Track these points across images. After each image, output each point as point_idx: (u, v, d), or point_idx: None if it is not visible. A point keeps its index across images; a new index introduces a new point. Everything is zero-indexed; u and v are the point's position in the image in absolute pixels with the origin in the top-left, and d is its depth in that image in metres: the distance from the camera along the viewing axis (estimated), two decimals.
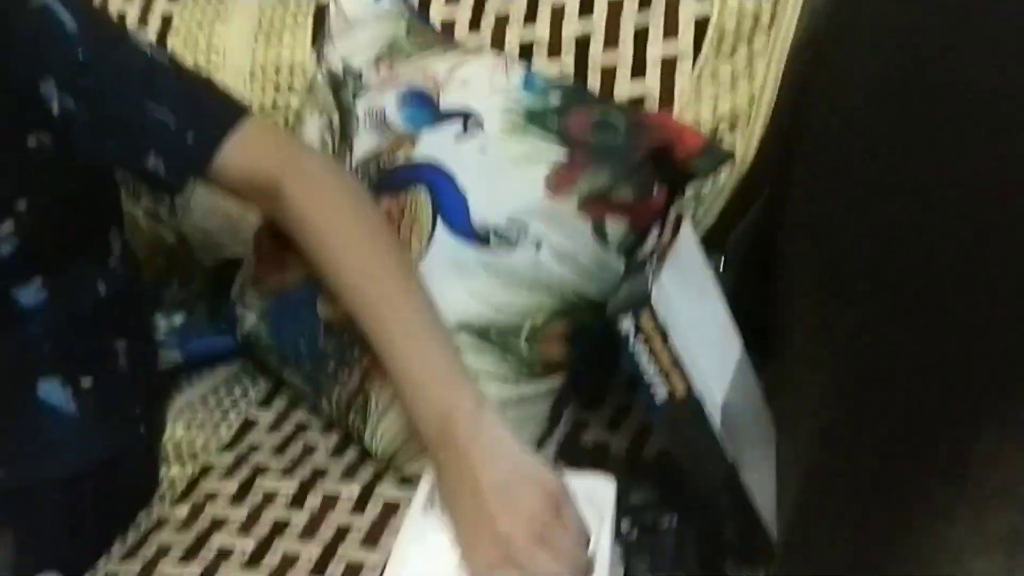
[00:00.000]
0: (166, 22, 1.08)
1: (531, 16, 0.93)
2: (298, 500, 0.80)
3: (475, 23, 0.95)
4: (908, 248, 0.51)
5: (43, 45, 0.70)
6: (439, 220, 0.77)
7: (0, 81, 0.70)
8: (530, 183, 0.75)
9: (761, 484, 0.68)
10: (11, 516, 0.74)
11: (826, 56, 0.78)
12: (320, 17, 1.00)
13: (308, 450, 0.87)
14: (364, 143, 0.83)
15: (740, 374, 0.73)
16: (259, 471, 0.84)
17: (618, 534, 0.70)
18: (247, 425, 0.92)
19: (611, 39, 0.89)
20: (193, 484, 0.85)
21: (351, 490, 0.80)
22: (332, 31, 0.91)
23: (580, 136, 0.76)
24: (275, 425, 0.91)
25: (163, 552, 0.77)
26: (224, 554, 0.75)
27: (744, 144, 0.85)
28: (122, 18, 1.07)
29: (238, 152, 0.75)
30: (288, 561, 0.74)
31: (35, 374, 0.78)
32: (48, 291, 0.77)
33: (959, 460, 0.39)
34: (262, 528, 0.77)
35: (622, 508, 0.71)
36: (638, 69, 0.88)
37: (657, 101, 0.87)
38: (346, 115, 0.85)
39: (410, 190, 0.78)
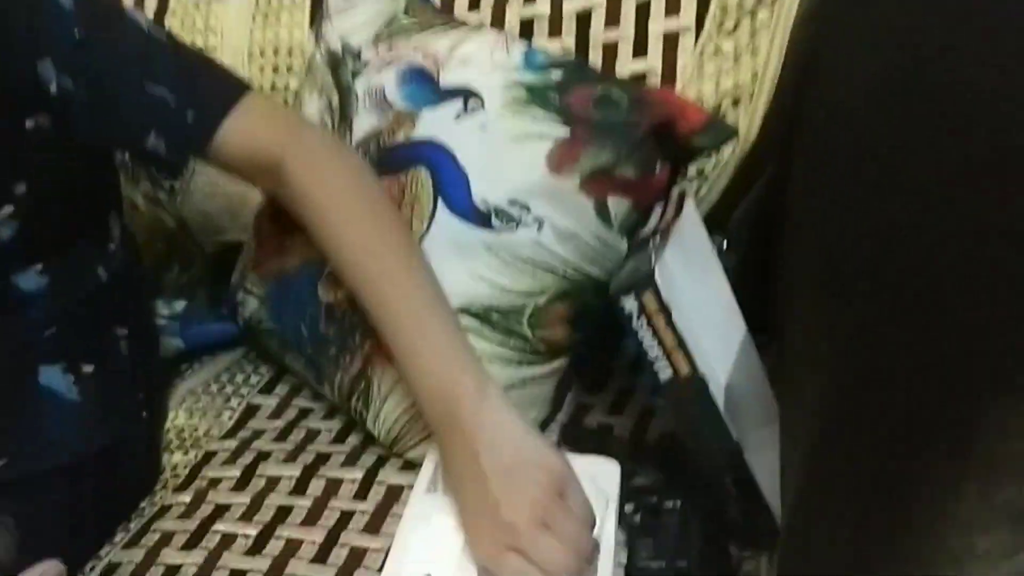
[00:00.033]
0: (163, 2, 1.07)
1: None
2: (301, 486, 0.79)
3: (475, 1, 0.94)
4: (914, 225, 0.51)
5: (39, 25, 0.69)
6: (440, 200, 0.76)
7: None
8: (531, 161, 0.74)
9: (765, 466, 0.67)
10: (13, 504, 0.73)
11: (830, 30, 0.77)
12: None
13: (310, 436, 0.86)
14: (364, 122, 0.82)
15: (743, 355, 0.72)
16: (261, 457, 0.84)
17: (622, 517, 0.69)
18: (249, 411, 0.91)
19: (612, 15, 0.88)
20: (195, 471, 0.84)
21: (354, 476, 0.79)
22: (330, 10, 0.90)
23: (582, 112, 0.75)
24: (277, 412, 0.91)
25: (166, 539, 0.76)
26: (227, 541, 0.75)
27: (747, 120, 0.84)
28: None
29: (239, 129, 0.74)
30: (291, 547, 0.73)
31: (36, 360, 0.77)
32: (48, 276, 0.76)
33: (965, 435, 0.39)
34: (265, 514, 0.77)
35: (626, 491, 0.71)
36: (640, 46, 0.87)
37: (659, 78, 0.86)
38: (345, 95, 0.84)
39: (410, 170, 0.77)
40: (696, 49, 0.85)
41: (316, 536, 0.74)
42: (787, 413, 0.67)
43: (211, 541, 0.75)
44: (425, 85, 0.80)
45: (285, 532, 0.75)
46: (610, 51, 0.88)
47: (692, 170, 0.86)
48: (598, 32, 0.88)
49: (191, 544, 0.75)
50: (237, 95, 0.75)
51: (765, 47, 0.83)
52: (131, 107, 0.73)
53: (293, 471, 0.81)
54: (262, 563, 0.72)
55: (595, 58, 0.89)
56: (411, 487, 0.71)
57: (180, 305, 0.98)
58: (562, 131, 0.75)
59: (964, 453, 0.38)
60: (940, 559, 0.37)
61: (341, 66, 0.85)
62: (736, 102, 0.84)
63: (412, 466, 0.78)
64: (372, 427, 0.80)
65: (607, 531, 0.65)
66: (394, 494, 0.77)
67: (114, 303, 0.84)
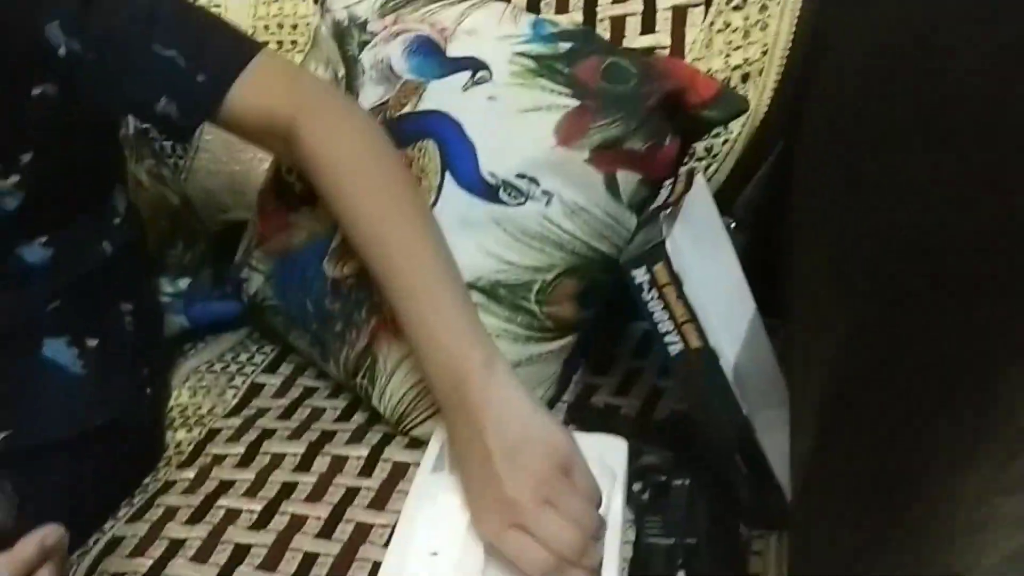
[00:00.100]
0: None
1: None
2: (305, 463, 0.79)
3: None
4: (925, 205, 0.50)
5: None
6: (447, 173, 0.75)
7: (5, 28, 0.69)
8: (539, 132, 0.74)
9: (775, 447, 0.67)
10: (16, 476, 0.73)
11: (839, 6, 0.77)
12: None
13: (315, 414, 0.86)
14: (370, 94, 0.81)
15: (753, 333, 0.72)
16: (266, 435, 0.83)
17: (630, 495, 0.69)
18: (253, 390, 0.91)
19: None
20: (199, 448, 0.84)
21: (359, 453, 0.79)
22: None
23: (590, 83, 0.74)
24: (282, 390, 0.90)
25: (170, 514, 0.76)
26: (231, 516, 0.74)
27: (756, 96, 0.83)
28: None
29: (251, 90, 0.73)
30: (296, 523, 0.73)
31: (40, 333, 0.77)
32: (53, 249, 0.76)
33: (973, 420, 0.38)
34: (269, 490, 0.76)
35: (633, 470, 0.70)
36: (648, 20, 0.86)
37: (668, 52, 0.85)
38: (351, 67, 0.83)
39: (418, 142, 0.77)
40: (705, 23, 0.84)
41: (321, 512, 0.73)
42: (795, 395, 0.67)
43: (215, 516, 0.75)
44: (432, 56, 0.79)
45: (290, 508, 0.74)
46: (618, 25, 0.87)
47: (701, 148, 0.86)
48: (606, 6, 0.88)
49: (195, 519, 0.75)
50: (248, 55, 0.74)
51: (775, 22, 0.82)
52: (140, 70, 0.72)
53: (298, 448, 0.80)
54: (267, 537, 0.72)
55: (603, 33, 0.88)
56: (417, 464, 0.71)
57: (184, 283, 0.98)
58: (571, 102, 0.74)
59: (971, 438, 0.38)
60: (948, 538, 0.36)
61: (347, 38, 0.84)
62: (745, 77, 0.84)
63: (418, 443, 0.78)
64: (378, 404, 0.80)
65: (614, 508, 0.65)
66: (400, 471, 0.76)
67: (118, 278, 0.83)
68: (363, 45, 0.83)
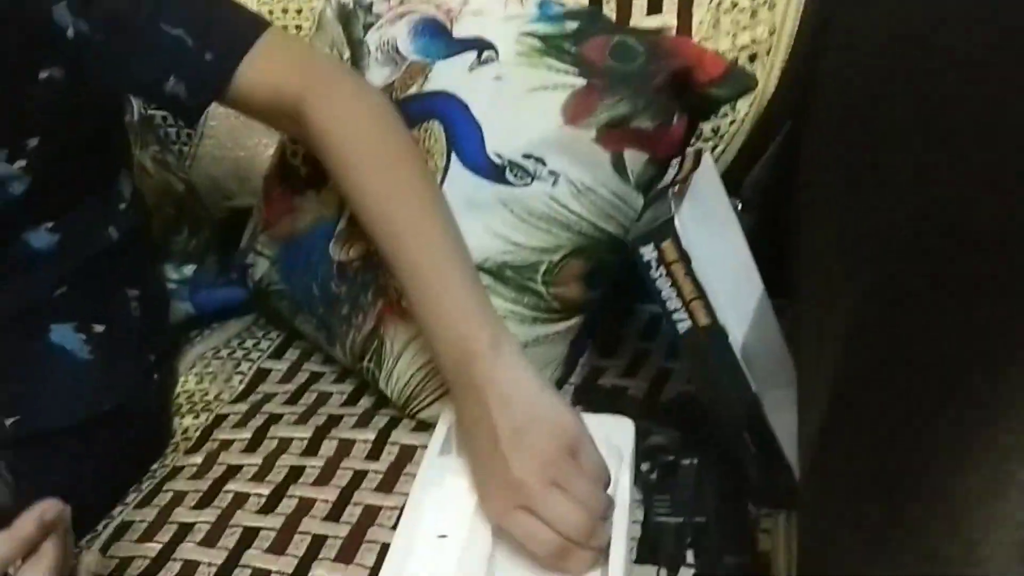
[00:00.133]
0: None
1: None
2: (312, 447, 0.79)
3: None
4: (935, 185, 0.50)
5: None
6: (453, 154, 0.75)
7: (13, 12, 0.68)
8: (546, 112, 0.73)
9: (783, 426, 0.66)
10: (24, 462, 0.73)
11: None
12: None
13: (322, 399, 0.86)
14: (376, 76, 0.81)
15: (760, 313, 0.72)
16: (273, 420, 0.83)
17: (638, 475, 0.69)
18: (260, 376, 0.91)
19: None
20: (206, 434, 0.84)
21: (366, 436, 0.79)
22: None
23: (597, 62, 0.74)
24: (288, 375, 0.90)
25: (178, 499, 0.76)
26: (239, 500, 0.74)
27: (764, 76, 0.83)
28: None
29: (259, 68, 0.72)
30: (304, 506, 0.73)
31: (47, 319, 0.77)
32: (59, 234, 0.75)
33: (984, 403, 0.38)
34: (277, 475, 0.76)
35: (641, 450, 0.70)
36: (655, 1, 0.86)
37: (675, 33, 0.85)
38: (357, 49, 0.83)
39: (423, 124, 0.76)
40: (712, 3, 0.84)
41: (329, 495, 0.73)
42: (804, 375, 0.66)
43: (223, 500, 0.75)
44: (438, 37, 0.79)
45: (297, 491, 0.74)
46: (624, 6, 0.87)
47: (708, 129, 0.85)
48: None
49: (203, 503, 0.75)
50: (256, 33, 0.73)
51: (782, 1, 0.82)
52: (148, 50, 0.72)
53: (305, 433, 0.80)
54: (275, 521, 0.72)
55: (609, 14, 0.88)
56: (424, 447, 0.71)
57: (189, 269, 0.98)
58: (578, 81, 0.73)
59: (983, 421, 0.37)
60: (983, 470, 0.36)
61: (352, 20, 0.84)
62: (753, 58, 0.83)
63: (425, 427, 0.78)
64: (384, 387, 0.80)
65: (622, 488, 0.64)
66: (407, 454, 0.76)
67: (124, 264, 0.83)
68: (368, 27, 0.83)
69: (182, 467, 0.80)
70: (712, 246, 0.65)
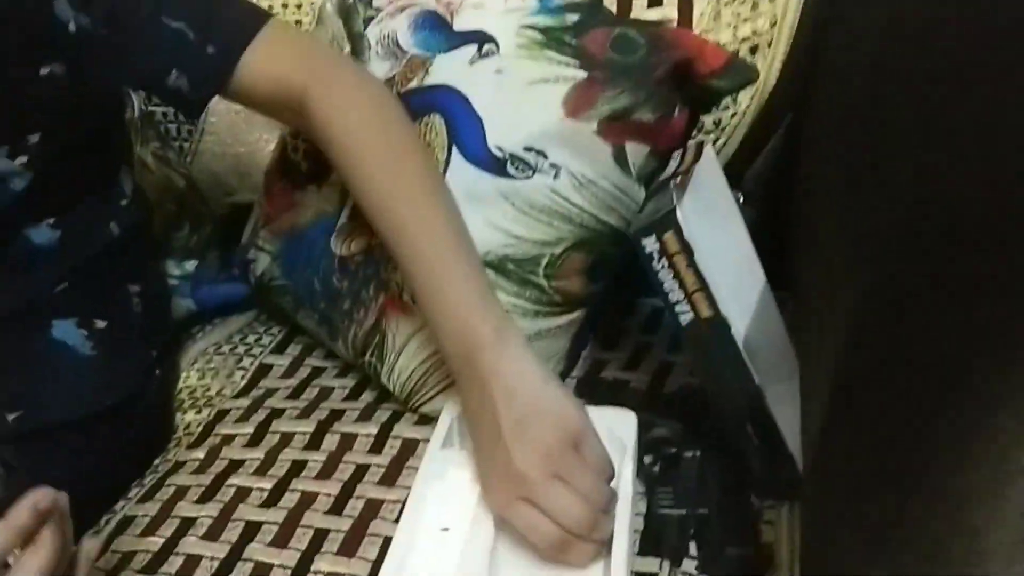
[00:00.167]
0: None
1: None
2: (315, 442, 0.79)
3: None
4: (938, 176, 0.50)
5: None
6: (454, 148, 0.75)
7: (15, 8, 0.68)
8: (547, 105, 0.73)
9: (785, 418, 0.66)
10: (26, 457, 0.73)
11: None
12: None
13: (324, 393, 0.86)
14: (376, 70, 0.81)
15: (763, 305, 0.72)
16: (275, 414, 0.83)
17: (640, 468, 0.69)
18: (262, 371, 0.91)
19: None
20: (208, 428, 0.84)
21: (368, 431, 0.79)
22: None
23: (598, 54, 0.73)
24: (290, 370, 0.90)
25: (180, 493, 0.76)
26: (242, 494, 0.74)
27: (765, 68, 0.82)
28: None
29: (261, 60, 0.72)
30: (306, 500, 0.73)
31: (49, 315, 0.77)
32: (60, 230, 0.75)
33: (988, 398, 0.38)
34: (279, 469, 0.76)
35: (644, 442, 0.70)
36: None
37: (675, 25, 0.84)
38: (357, 43, 0.83)
39: (424, 117, 0.76)
40: None
41: (331, 489, 0.73)
42: (807, 367, 0.66)
43: (226, 494, 0.75)
44: (439, 30, 0.79)
45: (300, 485, 0.74)
46: (625, 0, 0.87)
47: (710, 121, 0.85)
48: None
49: (206, 497, 0.75)
50: (257, 25, 0.73)
51: None
52: (150, 44, 0.72)
53: (307, 427, 0.80)
54: (277, 515, 0.72)
55: (610, 7, 0.87)
56: (426, 441, 0.71)
57: (191, 265, 0.98)
58: (579, 74, 0.73)
59: (984, 414, 0.37)
60: (962, 512, 0.36)
61: (353, 14, 0.84)
62: (754, 50, 0.83)
63: (427, 420, 0.77)
64: (387, 381, 0.80)
65: (624, 480, 0.64)
66: (409, 448, 0.76)
67: (126, 260, 0.83)
68: (368, 21, 0.83)
69: (184, 462, 0.80)
70: (714, 238, 0.65)
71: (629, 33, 0.74)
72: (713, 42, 0.81)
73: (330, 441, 0.78)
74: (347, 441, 0.78)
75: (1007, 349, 0.37)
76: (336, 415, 0.82)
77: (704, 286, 0.61)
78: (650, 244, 0.60)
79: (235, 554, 0.69)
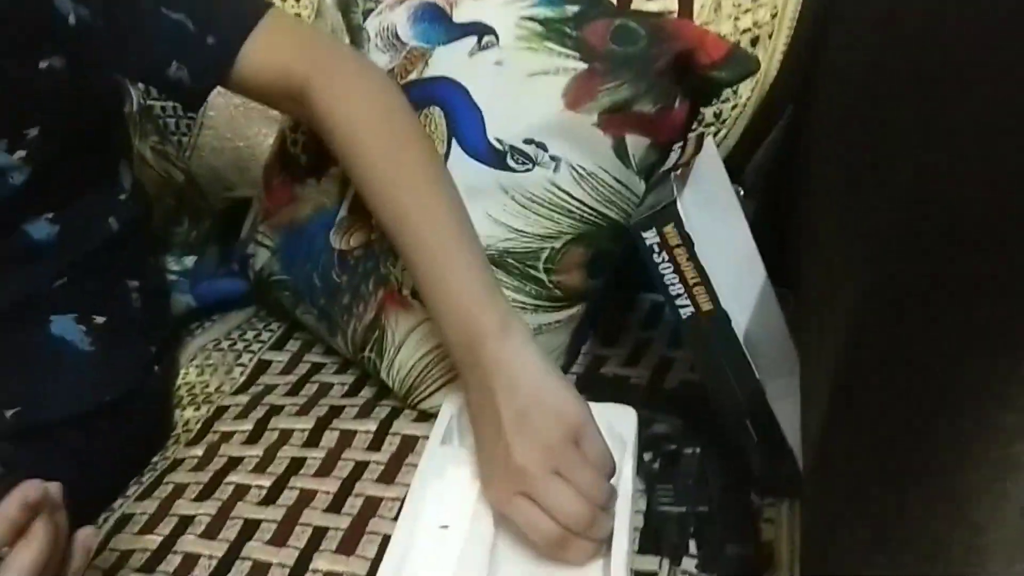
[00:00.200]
0: None
1: None
2: (314, 438, 0.78)
3: None
4: (940, 170, 0.49)
5: None
6: (454, 141, 0.74)
7: (15, 2, 0.68)
8: (547, 96, 0.73)
9: (786, 415, 0.66)
10: (25, 454, 0.72)
11: None
12: None
13: (323, 390, 0.85)
14: (376, 63, 0.80)
15: (763, 301, 0.71)
16: (274, 411, 0.83)
17: (640, 465, 0.68)
18: (261, 367, 0.90)
19: None
20: (207, 425, 0.83)
21: (367, 427, 0.78)
22: None
23: (599, 45, 0.73)
24: (289, 367, 0.90)
25: (179, 491, 0.75)
26: (240, 492, 0.74)
27: (766, 60, 0.82)
28: None
29: (262, 50, 0.72)
30: (305, 498, 0.72)
31: (48, 311, 0.76)
32: (59, 225, 0.75)
33: (987, 393, 0.37)
34: (278, 466, 0.76)
35: (644, 439, 0.69)
36: None
37: (676, 16, 0.84)
38: (356, 35, 0.82)
39: (423, 110, 0.76)
40: None
41: (330, 486, 0.73)
42: (807, 363, 0.66)
43: (224, 492, 0.74)
44: (438, 22, 0.78)
45: (299, 483, 0.74)
46: None
47: (710, 114, 0.84)
48: None
49: (204, 495, 0.74)
50: (257, 15, 0.73)
51: None
52: (150, 35, 0.72)
53: (306, 424, 0.80)
54: (276, 512, 0.71)
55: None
56: (426, 438, 0.70)
57: (190, 261, 0.97)
58: (579, 65, 0.73)
59: (985, 409, 0.37)
60: (963, 511, 0.35)
61: (352, 6, 0.83)
62: (755, 41, 0.82)
63: (427, 417, 0.77)
64: (386, 377, 0.79)
65: (624, 476, 0.64)
66: (409, 445, 0.76)
67: (125, 254, 0.82)
68: (368, 13, 0.82)
69: (183, 459, 0.79)
70: (714, 232, 0.64)
71: (629, 24, 0.73)
72: (714, 33, 0.80)
73: (329, 438, 0.78)
74: (346, 438, 0.77)
75: (1007, 349, 0.37)
76: (335, 411, 0.81)
77: (704, 279, 0.60)
78: (650, 237, 0.60)
79: (233, 552, 0.68)
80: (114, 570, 0.69)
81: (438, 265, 0.66)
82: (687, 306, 0.61)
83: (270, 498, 0.73)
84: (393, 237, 0.69)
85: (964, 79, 0.49)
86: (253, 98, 0.78)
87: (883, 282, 0.51)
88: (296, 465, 0.76)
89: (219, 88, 0.78)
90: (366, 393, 0.84)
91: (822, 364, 0.58)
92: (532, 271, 0.74)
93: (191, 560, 0.68)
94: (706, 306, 0.61)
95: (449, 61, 0.76)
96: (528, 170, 0.73)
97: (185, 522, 0.72)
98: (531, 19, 0.75)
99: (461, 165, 0.74)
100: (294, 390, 0.86)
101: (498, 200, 0.73)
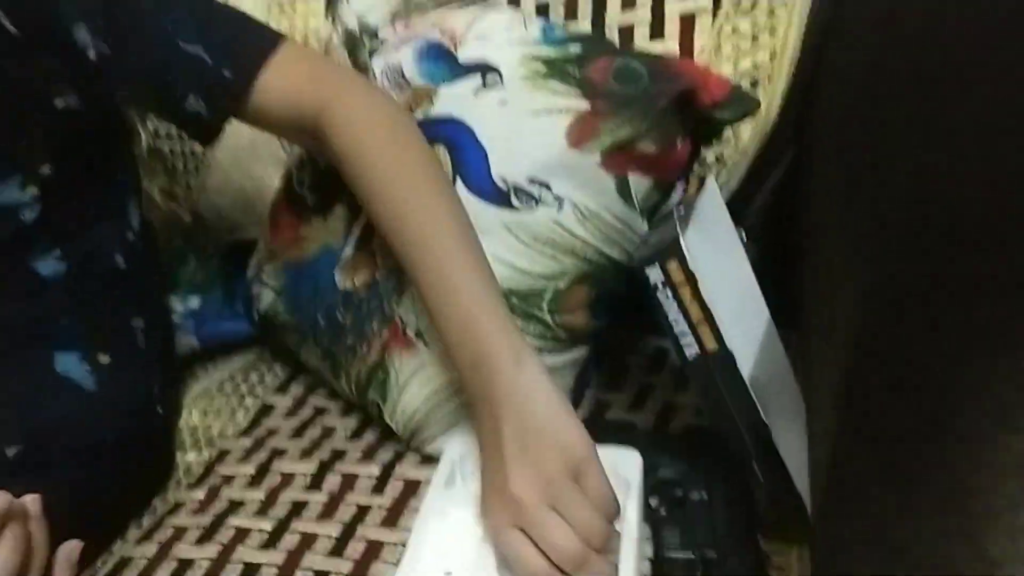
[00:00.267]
0: None
1: None
2: (316, 482, 0.77)
3: None
4: (940, 211, 0.49)
5: None
6: (458, 179, 0.74)
7: (38, 36, 0.69)
8: (551, 135, 0.73)
9: (793, 457, 0.65)
10: (26, 491, 0.72)
11: (849, 9, 0.76)
12: None
13: (326, 433, 0.85)
14: None
15: (767, 341, 0.70)
16: (276, 454, 0.82)
17: (647, 511, 0.67)
18: (264, 410, 0.90)
19: None
20: (209, 468, 0.83)
21: (370, 471, 0.77)
22: None
23: (601, 84, 0.73)
24: (292, 410, 0.89)
25: (179, 534, 0.74)
26: (241, 535, 0.73)
27: (767, 102, 0.82)
28: None
29: (277, 81, 0.73)
30: (307, 541, 0.71)
31: (53, 347, 0.76)
32: (67, 263, 0.75)
33: (990, 430, 0.37)
34: (280, 510, 0.75)
35: (649, 484, 0.68)
36: (657, 27, 0.86)
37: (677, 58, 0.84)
38: (363, 74, 0.83)
39: None
40: (713, 29, 0.84)
41: (332, 530, 0.72)
42: (812, 405, 0.65)
43: (225, 535, 0.73)
44: (443, 61, 0.78)
45: (300, 526, 0.73)
46: (626, 34, 0.87)
47: (711, 156, 0.85)
48: (615, 14, 0.87)
49: (205, 538, 0.73)
50: (272, 46, 0.74)
51: (783, 26, 0.82)
52: (167, 68, 0.72)
53: (308, 467, 0.79)
54: (277, 556, 0.70)
55: (611, 40, 0.87)
56: (429, 482, 0.70)
57: (195, 301, 0.97)
58: (582, 104, 0.73)
59: (988, 446, 0.36)
60: (979, 539, 0.35)
61: (358, 46, 0.84)
62: (755, 83, 0.83)
63: (430, 460, 0.76)
64: (390, 420, 0.78)
65: (630, 520, 0.62)
66: (412, 489, 0.75)
67: (131, 293, 0.82)
68: (374, 52, 0.83)
69: (184, 502, 0.79)
70: (718, 271, 0.64)
71: (632, 63, 0.74)
72: (716, 72, 0.81)
73: (332, 481, 0.77)
74: (349, 481, 0.77)
75: (1008, 349, 0.36)
76: (338, 455, 0.80)
77: (709, 317, 0.60)
78: (654, 274, 0.59)
79: None
80: None
81: (450, 296, 0.66)
82: (692, 345, 0.60)
83: (271, 542, 0.72)
84: (405, 265, 0.69)
85: (964, 79, 0.49)
86: (266, 129, 0.79)
87: (883, 282, 0.51)
88: (298, 508, 0.75)
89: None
90: (369, 436, 0.83)
91: (826, 405, 0.58)
92: (536, 312, 0.74)
93: None
94: (711, 345, 0.60)
95: (454, 100, 0.77)
96: (532, 209, 0.73)
97: (185, 566, 0.71)
98: (535, 58, 0.76)
99: (466, 204, 0.73)
100: (297, 433, 0.85)
101: (502, 239, 0.73)
